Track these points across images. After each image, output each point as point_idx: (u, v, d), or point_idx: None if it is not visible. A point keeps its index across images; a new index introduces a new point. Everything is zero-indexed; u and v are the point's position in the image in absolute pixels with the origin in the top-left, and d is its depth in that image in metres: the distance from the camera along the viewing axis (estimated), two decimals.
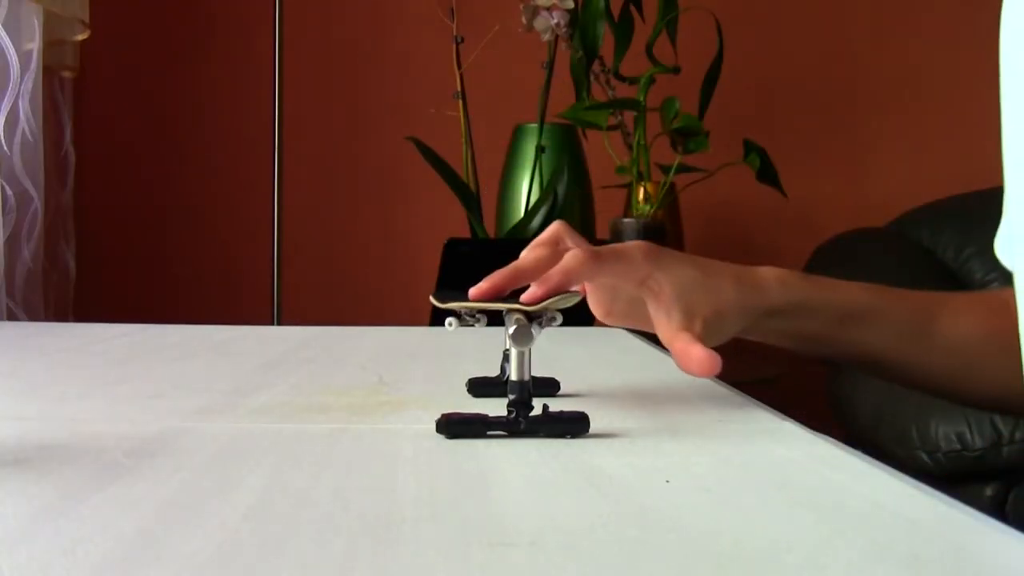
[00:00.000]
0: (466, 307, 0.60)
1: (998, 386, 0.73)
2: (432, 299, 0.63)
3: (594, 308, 0.72)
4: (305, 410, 0.62)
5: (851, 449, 0.52)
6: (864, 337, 0.71)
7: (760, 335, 0.70)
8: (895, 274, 2.03)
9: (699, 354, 0.60)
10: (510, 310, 0.59)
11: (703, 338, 0.62)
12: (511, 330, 0.55)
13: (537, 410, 0.54)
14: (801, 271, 0.72)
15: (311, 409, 0.62)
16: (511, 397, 0.54)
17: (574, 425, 0.54)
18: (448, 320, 0.61)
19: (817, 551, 0.36)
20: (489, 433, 0.54)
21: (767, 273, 0.69)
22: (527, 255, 0.65)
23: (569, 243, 0.67)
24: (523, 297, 0.59)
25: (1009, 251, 0.74)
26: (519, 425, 0.54)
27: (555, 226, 0.69)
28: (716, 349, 0.61)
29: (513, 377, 0.55)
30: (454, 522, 0.39)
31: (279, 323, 2.05)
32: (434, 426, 0.55)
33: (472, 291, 0.61)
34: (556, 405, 0.55)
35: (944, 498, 0.42)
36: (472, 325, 0.61)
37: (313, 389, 0.70)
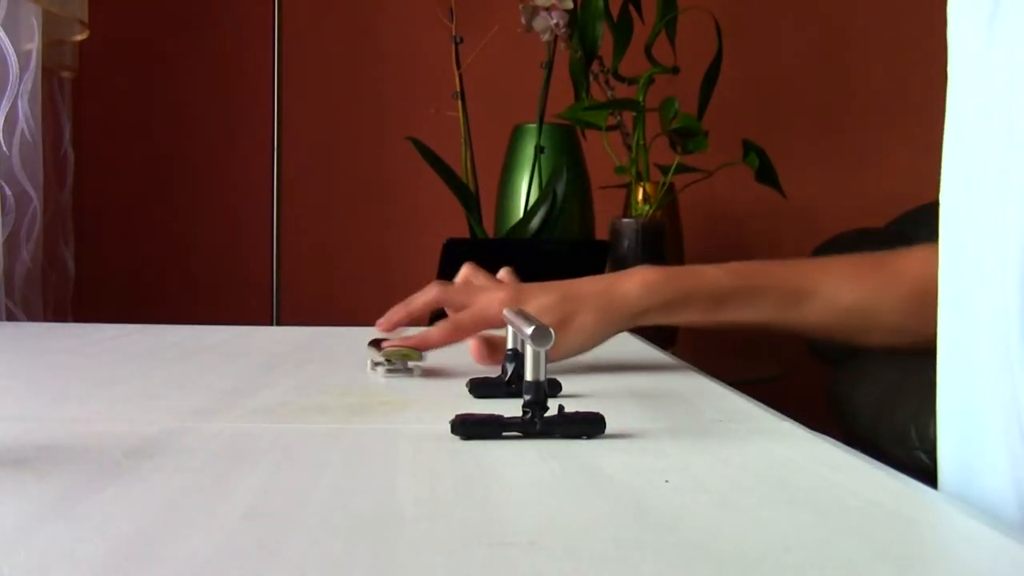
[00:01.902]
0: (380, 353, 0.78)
1: (893, 333, 0.80)
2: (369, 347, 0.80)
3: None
4: (305, 410, 0.62)
5: (851, 449, 0.52)
6: (740, 316, 0.80)
7: (647, 324, 0.81)
8: None
9: (474, 343, 0.76)
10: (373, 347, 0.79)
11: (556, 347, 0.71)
12: (530, 330, 0.54)
13: (552, 411, 0.54)
14: (675, 266, 0.84)
15: (311, 409, 0.62)
16: (526, 397, 0.54)
17: (590, 426, 0.54)
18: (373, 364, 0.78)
19: (817, 551, 0.36)
20: (504, 434, 0.54)
21: (631, 282, 0.80)
22: (424, 296, 0.83)
23: (475, 283, 0.83)
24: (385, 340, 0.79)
25: None
26: (535, 426, 0.53)
27: (465, 269, 0.85)
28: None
29: (528, 377, 0.54)
30: (454, 522, 0.39)
31: (279, 323, 2.05)
32: (434, 426, 0.55)
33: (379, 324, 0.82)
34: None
35: (943, 498, 0.42)
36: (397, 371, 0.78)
37: (313, 389, 0.70)
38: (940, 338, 0.56)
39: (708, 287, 0.79)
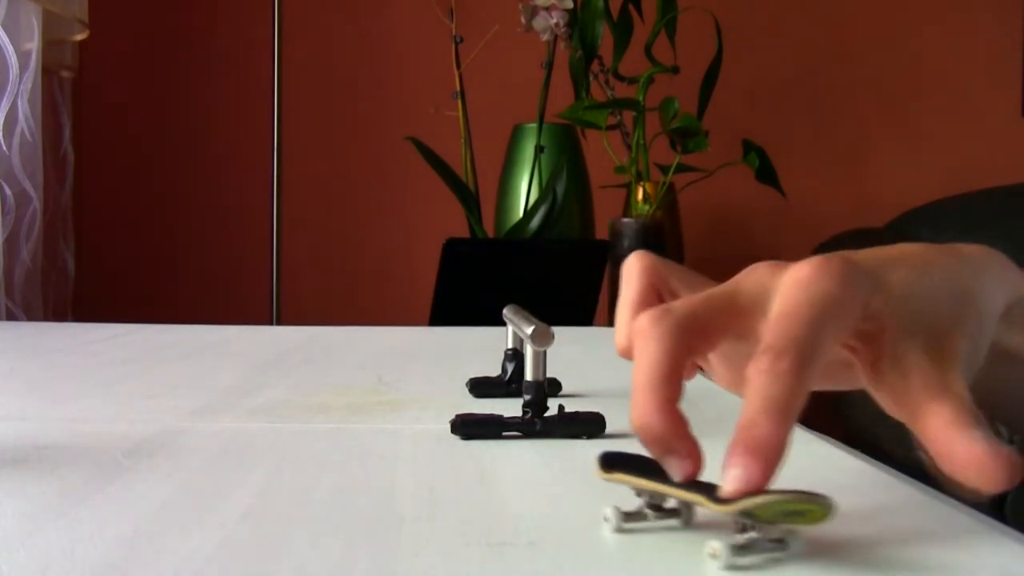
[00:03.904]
0: (642, 486, 0.37)
1: None
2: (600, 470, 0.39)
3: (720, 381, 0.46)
4: (304, 410, 0.62)
5: (850, 449, 0.52)
6: None
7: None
8: None
9: (979, 453, 0.33)
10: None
11: (963, 391, 0.35)
12: (530, 330, 0.54)
13: (552, 411, 0.54)
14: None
15: (310, 409, 0.62)
16: (526, 397, 0.54)
17: (590, 426, 0.54)
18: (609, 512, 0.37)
19: (817, 551, 0.36)
20: (504, 434, 0.53)
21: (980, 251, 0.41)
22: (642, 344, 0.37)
23: (680, 291, 0.42)
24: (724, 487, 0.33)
25: None
26: (535, 426, 0.53)
27: (639, 262, 0.43)
28: None
29: (528, 377, 0.54)
30: (453, 522, 0.39)
31: (279, 323, 2.05)
32: (433, 426, 0.55)
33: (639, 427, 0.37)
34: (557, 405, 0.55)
35: (943, 498, 0.42)
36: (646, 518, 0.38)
37: (313, 389, 0.70)
38: None
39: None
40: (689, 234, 2.05)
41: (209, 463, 0.48)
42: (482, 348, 0.91)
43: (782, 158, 1.92)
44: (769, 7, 2.45)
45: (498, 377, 0.68)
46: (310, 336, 1.05)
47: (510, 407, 0.55)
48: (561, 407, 0.54)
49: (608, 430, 0.54)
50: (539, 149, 1.89)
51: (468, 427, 0.53)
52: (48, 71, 1.75)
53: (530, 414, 0.54)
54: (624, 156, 1.89)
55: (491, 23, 1.93)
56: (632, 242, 1.82)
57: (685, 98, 1.83)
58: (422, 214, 2.34)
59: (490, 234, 1.93)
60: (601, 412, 0.54)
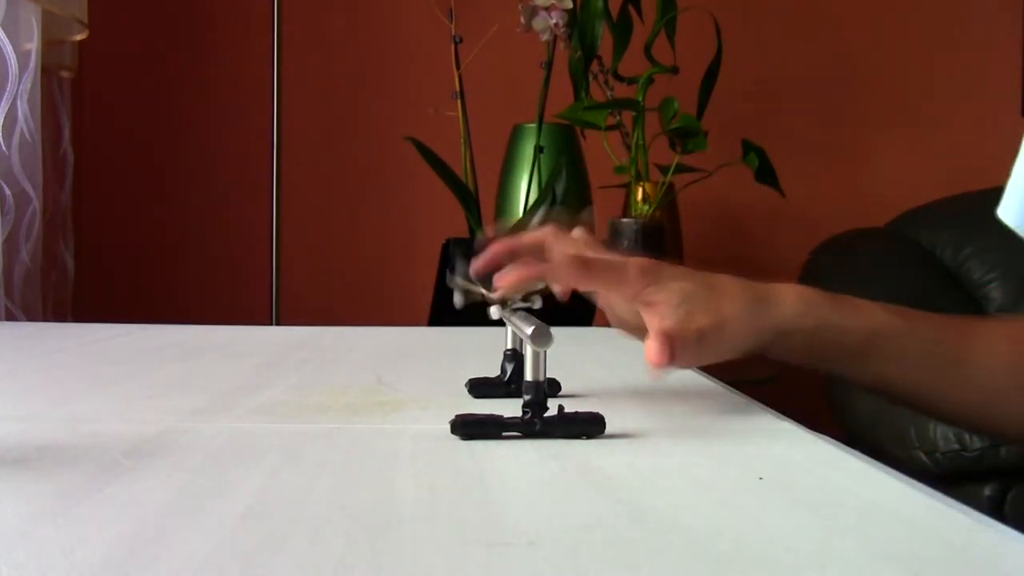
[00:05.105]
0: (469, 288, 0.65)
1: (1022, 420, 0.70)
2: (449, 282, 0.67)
3: (609, 317, 0.71)
4: (304, 410, 0.62)
5: (850, 449, 0.52)
6: (890, 361, 0.68)
7: (781, 354, 0.67)
8: (894, 274, 2.03)
9: (652, 343, 0.59)
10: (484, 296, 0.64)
11: (699, 351, 0.61)
12: (530, 330, 0.54)
13: (552, 411, 0.54)
14: (822, 290, 0.68)
15: (310, 409, 0.62)
16: (526, 397, 0.54)
17: (590, 426, 0.54)
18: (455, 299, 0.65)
19: (816, 551, 0.36)
20: (504, 434, 0.53)
21: (785, 291, 0.66)
22: (531, 234, 0.67)
23: (588, 252, 0.65)
24: (495, 279, 0.61)
25: (1013, 212, 0.73)
26: (534, 426, 0.53)
27: (575, 231, 0.69)
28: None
29: (528, 377, 0.54)
30: (452, 522, 0.39)
31: (278, 323, 2.05)
32: (433, 426, 0.55)
33: (473, 266, 0.65)
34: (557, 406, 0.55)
35: (942, 498, 0.42)
36: (477, 300, 0.65)
37: (312, 389, 0.70)
38: None
39: (866, 318, 0.67)
40: (689, 234, 2.05)
41: (209, 463, 0.48)
42: (482, 348, 0.91)
43: (782, 158, 1.92)
44: (769, 7, 2.45)
45: (498, 377, 0.68)
46: (310, 336, 1.05)
47: (510, 407, 0.55)
48: (561, 407, 0.54)
49: (608, 430, 0.54)
50: (539, 149, 1.89)
51: (468, 427, 0.53)
52: (48, 71, 1.75)
53: (530, 414, 0.54)
54: (623, 156, 1.89)
55: (491, 23, 1.92)
56: (631, 242, 1.82)
57: (685, 98, 1.83)
58: (422, 214, 2.34)
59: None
60: (600, 412, 0.54)
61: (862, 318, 0.67)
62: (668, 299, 0.61)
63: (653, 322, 0.62)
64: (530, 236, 0.67)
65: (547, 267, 0.62)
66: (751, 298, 0.64)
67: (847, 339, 0.67)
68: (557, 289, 0.64)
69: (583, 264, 0.61)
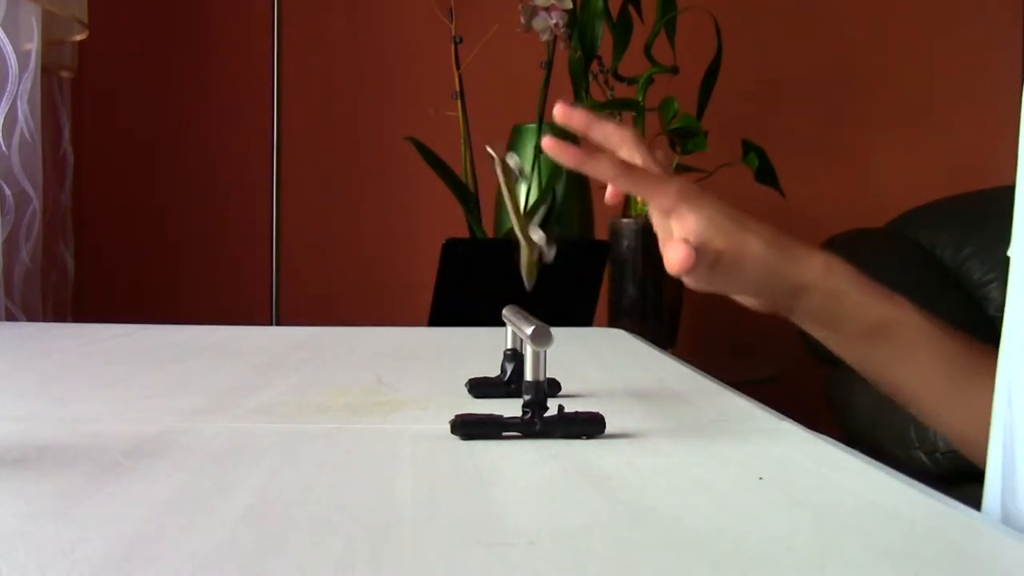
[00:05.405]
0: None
1: None
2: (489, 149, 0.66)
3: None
4: (304, 410, 0.62)
5: (850, 449, 0.52)
6: (900, 355, 0.69)
7: (800, 315, 0.70)
8: (894, 274, 2.03)
9: (675, 249, 0.63)
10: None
11: (712, 275, 0.65)
12: (530, 330, 0.54)
13: (552, 411, 0.54)
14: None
15: (310, 409, 0.62)
16: (526, 397, 0.54)
17: (590, 426, 0.54)
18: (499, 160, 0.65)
19: (816, 551, 0.36)
20: (504, 434, 0.53)
21: (814, 251, 0.69)
22: (611, 128, 0.70)
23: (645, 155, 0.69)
24: (546, 144, 0.64)
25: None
26: (534, 426, 0.53)
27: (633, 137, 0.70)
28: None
29: (528, 377, 0.54)
30: (452, 522, 0.39)
31: (279, 323, 2.05)
32: (433, 426, 0.55)
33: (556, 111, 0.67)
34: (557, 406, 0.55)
35: (942, 498, 0.42)
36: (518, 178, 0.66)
37: (312, 389, 0.70)
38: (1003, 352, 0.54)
39: (887, 305, 0.69)
40: None
41: (209, 463, 0.48)
42: (482, 348, 0.91)
43: (781, 158, 1.92)
44: (769, 7, 2.45)
45: (498, 377, 0.68)
46: (310, 336, 1.05)
47: (510, 407, 0.55)
48: (561, 407, 0.54)
49: (608, 430, 0.54)
50: (538, 149, 1.89)
51: (468, 427, 0.53)
52: (48, 71, 1.75)
53: (530, 414, 0.54)
54: None
55: (491, 23, 1.92)
56: (631, 242, 1.82)
57: (685, 98, 1.83)
58: (422, 214, 2.34)
59: (490, 234, 1.93)
60: (600, 412, 0.54)
61: (885, 302, 0.69)
62: (698, 219, 0.66)
63: (678, 232, 0.66)
64: (610, 129, 0.69)
65: (593, 161, 0.64)
66: (777, 244, 0.68)
67: (863, 315, 0.68)
68: (609, 191, 0.69)
69: (627, 168, 0.65)
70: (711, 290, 0.69)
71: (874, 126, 2.46)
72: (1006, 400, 0.56)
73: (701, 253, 0.64)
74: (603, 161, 0.65)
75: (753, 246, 0.67)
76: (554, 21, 1.82)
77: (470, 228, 1.90)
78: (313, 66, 2.34)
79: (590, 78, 1.88)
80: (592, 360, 0.87)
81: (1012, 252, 0.68)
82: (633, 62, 1.87)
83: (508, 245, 1.97)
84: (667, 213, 0.67)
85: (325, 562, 0.33)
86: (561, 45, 1.87)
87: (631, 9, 1.89)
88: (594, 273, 1.70)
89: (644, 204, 1.86)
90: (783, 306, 0.70)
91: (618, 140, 0.69)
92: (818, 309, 0.69)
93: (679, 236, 0.65)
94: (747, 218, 0.68)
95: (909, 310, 0.69)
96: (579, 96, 1.88)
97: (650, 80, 1.85)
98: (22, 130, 1.58)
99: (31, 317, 1.64)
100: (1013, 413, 0.55)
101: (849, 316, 0.69)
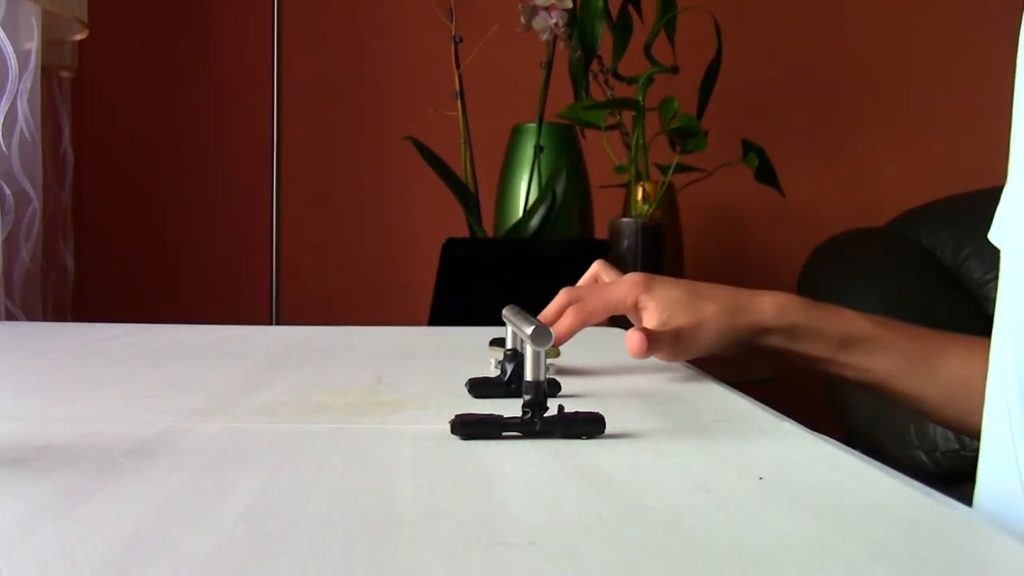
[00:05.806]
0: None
1: None
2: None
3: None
4: (304, 410, 0.62)
5: (850, 449, 0.52)
6: (864, 363, 0.79)
7: (764, 352, 0.80)
8: (894, 274, 2.03)
9: (629, 339, 0.72)
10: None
11: (676, 347, 0.75)
12: (530, 330, 0.54)
13: (552, 411, 0.54)
14: (807, 297, 0.80)
15: (310, 409, 0.62)
16: (526, 397, 0.54)
17: (590, 426, 0.54)
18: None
19: (817, 551, 0.36)
20: (504, 434, 0.53)
21: (766, 296, 0.78)
22: (555, 303, 0.80)
23: (605, 278, 0.83)
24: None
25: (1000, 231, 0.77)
26: (534, 426, 0.53)
27: (594, 266, 0.86)
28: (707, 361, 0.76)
29: (528, 377, 0.54)
30: (452, 522, 0.39)
31: (278, 323, 2.05)
32: (433, 426, 0.55)
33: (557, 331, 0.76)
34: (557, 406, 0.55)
35: (942, 498, 0.42)
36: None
37: (312, 389, 0.70)
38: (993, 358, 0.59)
39: (841, 324, 0.78)
40: (688, 234, 2.05)
41: (209, 463, 0.48)
42: (482, 348, 0.91)
43: (781, 158, 1.92)
44: (769, 7, 2.45)
45: (498, 377, 0.68)
46: (310, 336, 1.05)
47: (510, 407, 0.55)
48: (561, 407, 0.54)
49: (608, 430, 0.54)
50: (538, 149, 1.89)
51: (468, 427, 0.53)
52: (48, 71, 1.75)
53: (530, 414, 0.54)
54: (623, 156, 1.89)
55: (490, 23, 1.92)
56: (631, 242, 1.82)
57: (685, 98, 1.83)
58: (422, 214, 2.34)
59: (490, 234, 1.93)
60: (600, 412, 0.54)
61: (837, 323, 0.79)
62: (656, 305, 0.77)
63: (645, 321, 0.77)
64: (553, 307, 0.80)
65: (557, 325, 0.76)
66: (730, 301, 0.77)
67: (822, 341, 0.78)
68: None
69: (582, 312, 0.77)
70: (682, 359, 0.79)
71: (874, 126, 2.46)
72: (1002, 398, 0.57)
73: (661, 333, 0.74)
74: (563, 323, 0.77)
75: (707, 311, 0.76)
76: (554, 21, 1.82)
77: (470, 228, 1.90)
78: (313, 66, 2.34)
79: (590, 78, 1.88)
80: (592, 360, 0.87)
81: (992, 236, 0.71)
82: (633, 62, 1.87)
83: (508, 245, 1.98)
84: (631, 312, 0.78)
85: (325, 562, 0.33)
86: (561, 45, 1.87)
87: (631, 9, 1.89)
88: None
89: (644, 204, 1.86)
90: (743, 348, 0.79)
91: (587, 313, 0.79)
92: (781, 347, 0.79)
93: (641, 326, 0.75)
94: (700, 287, 0.78)
95: (859, 320, 0.79)
96: (579, 96, 1.88)
97: (650, 80, 1.85)
98: (22, 130, 1.57)
99: (31, 317, 1.64)
100: (1012, 413, 0.55)
101: (812, 342, 0.78)
